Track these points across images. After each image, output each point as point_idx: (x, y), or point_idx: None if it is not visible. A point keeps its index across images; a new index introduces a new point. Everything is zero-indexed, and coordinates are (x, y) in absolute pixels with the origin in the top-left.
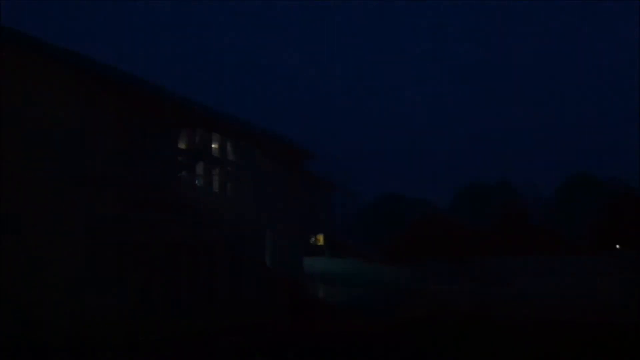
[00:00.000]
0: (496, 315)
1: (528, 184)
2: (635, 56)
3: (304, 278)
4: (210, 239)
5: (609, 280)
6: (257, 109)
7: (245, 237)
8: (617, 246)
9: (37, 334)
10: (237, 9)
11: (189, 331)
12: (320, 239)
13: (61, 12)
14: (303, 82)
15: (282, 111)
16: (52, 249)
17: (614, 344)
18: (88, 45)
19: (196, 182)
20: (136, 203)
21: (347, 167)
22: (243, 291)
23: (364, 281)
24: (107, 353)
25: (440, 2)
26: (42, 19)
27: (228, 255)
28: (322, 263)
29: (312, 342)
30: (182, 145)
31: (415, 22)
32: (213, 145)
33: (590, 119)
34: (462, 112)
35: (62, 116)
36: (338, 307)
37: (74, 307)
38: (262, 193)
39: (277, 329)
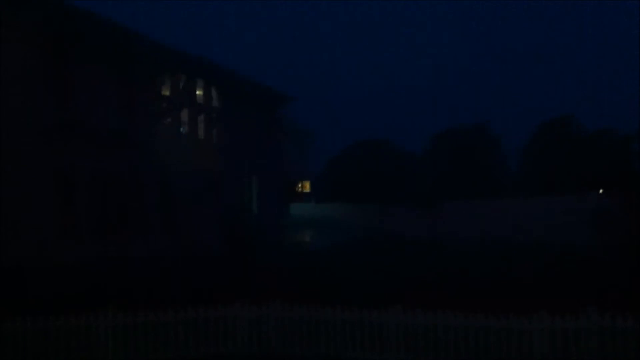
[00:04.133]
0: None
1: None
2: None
3: (289, 223)
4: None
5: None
6: (234, 54)
7: (229, 184)
8: (600, 191)
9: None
10: None
11: None
12: (307, 185)
13: None
14: (281, 29)
15: (260, 58)
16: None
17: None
18: None
19: (180, 129)
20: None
21: (330, 114)
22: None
23: (346, 226)
24: None
25: None
26: None
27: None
28: (307, 209)
29: None
30: (165, 92)
31: None
32: (197, 92)
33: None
34: (446, 57)
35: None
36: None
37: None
38: (247, 140)
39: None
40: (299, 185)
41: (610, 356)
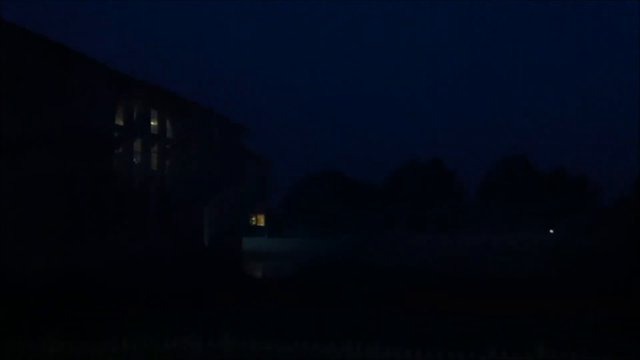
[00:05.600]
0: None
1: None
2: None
3: (242, 255)
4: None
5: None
6: (192, 83)
7: (181, 216)
8: (551, 231)
9: None
10: None
11: None
12: (261, 218)
13: None
14: (241, 57)
15: (218, 88)
16: None
17: None
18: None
19: (133, 159)
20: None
21: (289, 145)
22: None
23: (300, 258)
24: None
25: None
26: None
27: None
28: (260, 243)
29: None
30: (119, 122)
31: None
32: (152, 123)
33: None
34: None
35: None
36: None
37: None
38: (201, 172)
39: None
40: (253, 219)
41: None
